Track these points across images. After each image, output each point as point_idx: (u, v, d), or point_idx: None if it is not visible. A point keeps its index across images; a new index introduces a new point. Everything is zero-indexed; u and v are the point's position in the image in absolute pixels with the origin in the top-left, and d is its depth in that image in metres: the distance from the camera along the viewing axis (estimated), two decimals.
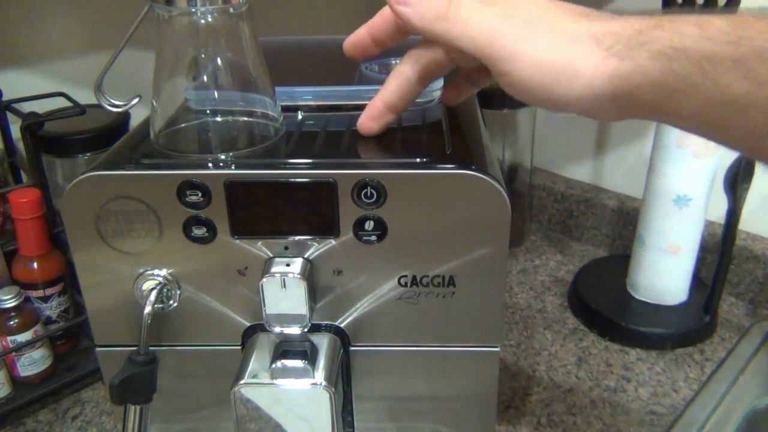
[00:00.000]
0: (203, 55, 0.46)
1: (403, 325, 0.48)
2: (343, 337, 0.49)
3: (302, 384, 0.45)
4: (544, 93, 0.36)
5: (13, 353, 0.63)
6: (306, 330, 0.46)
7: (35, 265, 0.64)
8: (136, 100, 0.49)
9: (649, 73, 0.33)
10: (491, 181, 0.42)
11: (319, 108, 0.53)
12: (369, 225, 0.44)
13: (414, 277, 0.46)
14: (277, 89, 0.49)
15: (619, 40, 0.34)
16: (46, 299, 0.66)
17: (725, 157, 0.70)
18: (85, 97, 0.68)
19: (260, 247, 0.45)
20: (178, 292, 0.47)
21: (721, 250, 0.72)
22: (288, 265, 0.45)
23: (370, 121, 0.45)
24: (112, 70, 0.47)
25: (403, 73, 0.43)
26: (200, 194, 0.43)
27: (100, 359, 0.50)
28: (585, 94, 0.35)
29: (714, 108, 0.32)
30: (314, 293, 0.46)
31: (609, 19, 0.35)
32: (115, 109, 0.48)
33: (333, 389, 0.45)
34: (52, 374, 0.67)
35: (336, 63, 0.63)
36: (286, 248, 0.45)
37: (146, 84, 0.47)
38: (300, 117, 0.52)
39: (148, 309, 0.45)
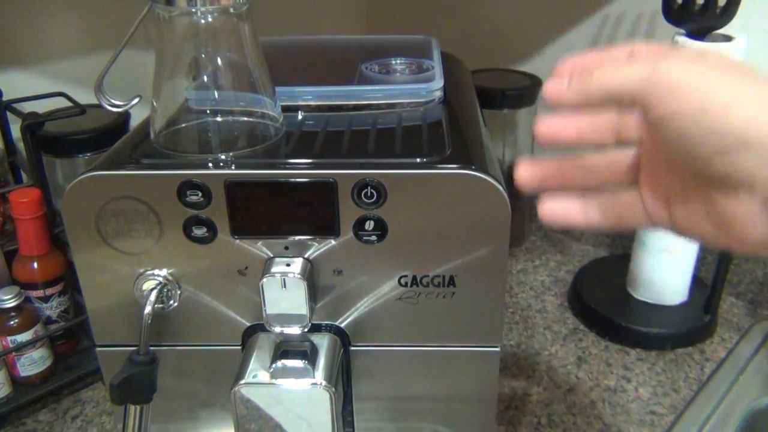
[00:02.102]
0: (203, 55, 0.46)
1: (403, 325, 0.48)
2: (343, 337, 0.49)
3: (302, 384, 0.45)
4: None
5: (13, 353, 0.63)
6: (306, 330, 0.46)
7: (35, 265, 0.64)
8: (136, 100, 0.49)
9: None
10: (491, 181, 0.42)
11: (319, 108, 0.53)
12: (369, 225, 0.44)
13: (414, 277, 0.46)
14: (277, 89, 0.49)
15: None
16: (46, 299, 0.66)
17: None
18: (85, 97, 0.68)
19: (260, 247, 0.45)
20: (178, 292, 0.47)
21: (721, 250, 0.72)
22: (288, 265, 0.45)
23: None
24: (112, 70, 0.47)
25: None
26: (200, 194, 0.43)
27: (100, 359, 0.50)
28: (738, 132, 0.28)
29: None
30: (314, 293, 0.46)
31: None
32: (115, 109, 0.48)
33: (333, 389, 0.45)
34: (52, 374, 0.67)
35: (336, 63, 0.63)
36: (287, 248, 0.45)
37: (146, 84, 0.47)
38: (300, 117, 0.52)
39: (148, 309, 0.45)
